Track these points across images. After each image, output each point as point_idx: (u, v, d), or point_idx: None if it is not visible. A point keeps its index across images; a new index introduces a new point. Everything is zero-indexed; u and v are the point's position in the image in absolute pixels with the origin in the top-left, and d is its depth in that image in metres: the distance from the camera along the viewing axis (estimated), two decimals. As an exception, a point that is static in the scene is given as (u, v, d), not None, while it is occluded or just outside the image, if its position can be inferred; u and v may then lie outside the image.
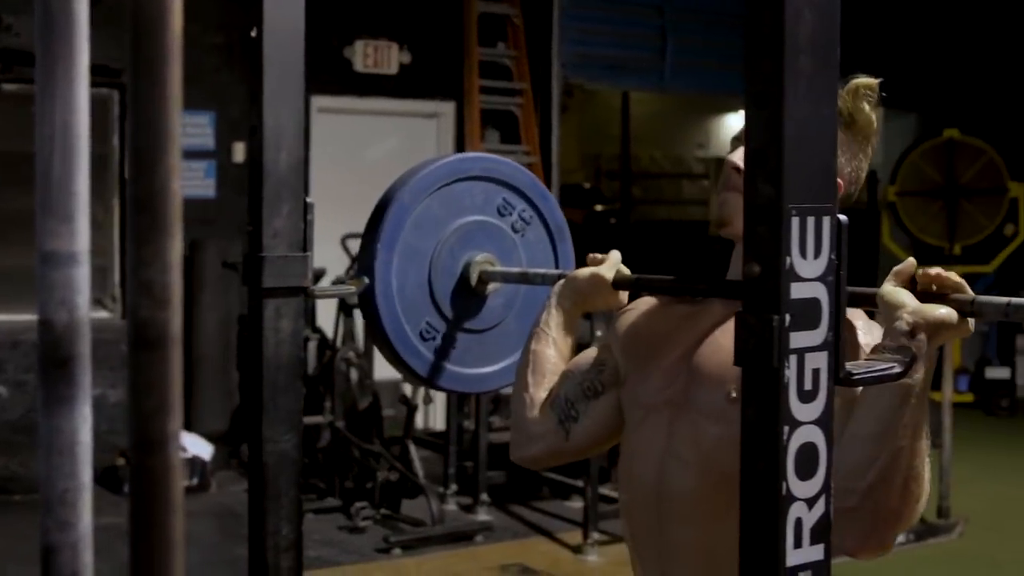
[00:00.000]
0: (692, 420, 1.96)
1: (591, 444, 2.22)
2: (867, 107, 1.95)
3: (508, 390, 2.51)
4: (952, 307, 1.64)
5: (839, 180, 1.93)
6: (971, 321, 1.66)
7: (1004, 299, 1.63)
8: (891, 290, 1.69)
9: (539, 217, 2.66)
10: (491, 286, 2.55)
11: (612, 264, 2.23)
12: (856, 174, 1.99)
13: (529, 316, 2.51)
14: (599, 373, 2.19)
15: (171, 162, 0.81)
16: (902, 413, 1.65)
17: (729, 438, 1.80)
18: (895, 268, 1.72)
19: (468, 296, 2.55)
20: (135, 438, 0.80)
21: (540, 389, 2.25)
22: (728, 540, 1.91)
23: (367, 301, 2.48)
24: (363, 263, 2.50)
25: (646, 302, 2.21)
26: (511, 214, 2.61)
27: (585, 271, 2.25)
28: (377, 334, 2.51)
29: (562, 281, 2.29)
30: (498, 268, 2.55)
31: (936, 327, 1.63)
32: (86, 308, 0.90)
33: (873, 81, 1.96)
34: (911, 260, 1.72)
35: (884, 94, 1.98)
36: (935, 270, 1.68)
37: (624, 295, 2.24)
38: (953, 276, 1.68)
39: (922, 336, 1.62)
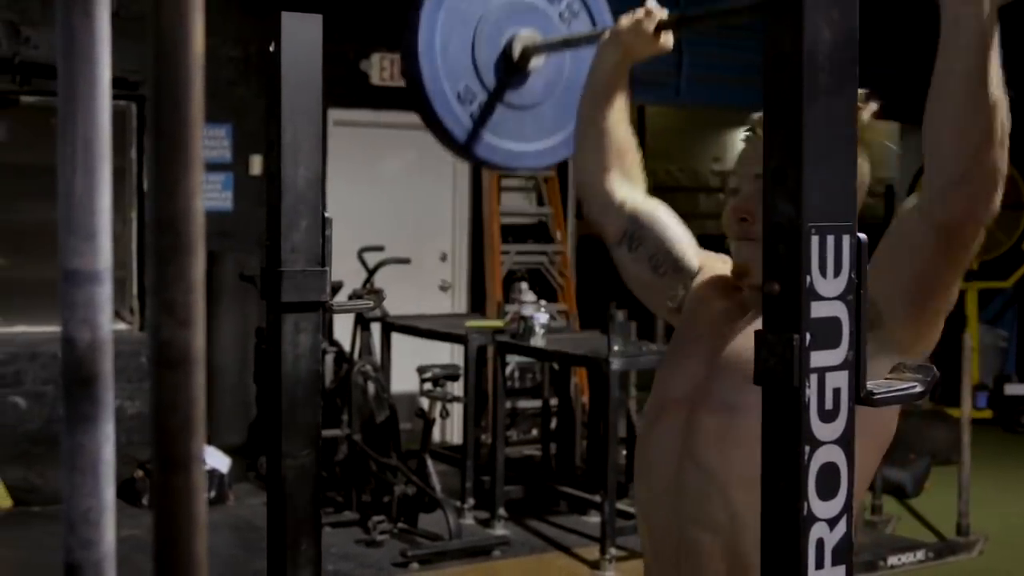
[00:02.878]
0: (714, 415, 1.98)
1: (621, 269, 2.34)
2: (862, 113, 2.00)
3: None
4: None
5: None
6: None
7: None
8: None
9: (587, 11, 2.63)
10: (533, 63, 2.52)
11: (653, 11, 2.25)
12: (860, 179, 2.02)
13: (569, 103, 2.50)
14: (672, 263, 2.27)
15: (194, 181, 0.81)
16: (985, 66, 1.66)
17: (750, 435, 1.82)
18: None
19: (510, 70, 2.52)
20: (159, 457, 0.80)
21: (607, 155, 2.32)
22: (747, 541, 1.92)
23: (409, 54, 2.45)
24: (409, 17, 2.47)
25: (708, 268, 2.25)
26: (560, 2, 2.59)
27: (626, 19, 2.27)
28: (416, 89, 2.47)
29: (606, 34, 2.31)
30: (540, 40, 2.52)
31: None
32: (109, 327, 0.90)
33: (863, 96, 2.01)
34: None
35: (879, 102, 2.04)
36: None
37: (669, 39, 2.26)
38: None
39: None
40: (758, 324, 1.97)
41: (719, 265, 2.24)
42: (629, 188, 2.35)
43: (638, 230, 2.30)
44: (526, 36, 2.52)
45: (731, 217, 2.08)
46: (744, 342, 2.00)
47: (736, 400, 1.95)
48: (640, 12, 2.26)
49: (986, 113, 1.69)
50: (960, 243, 1.81)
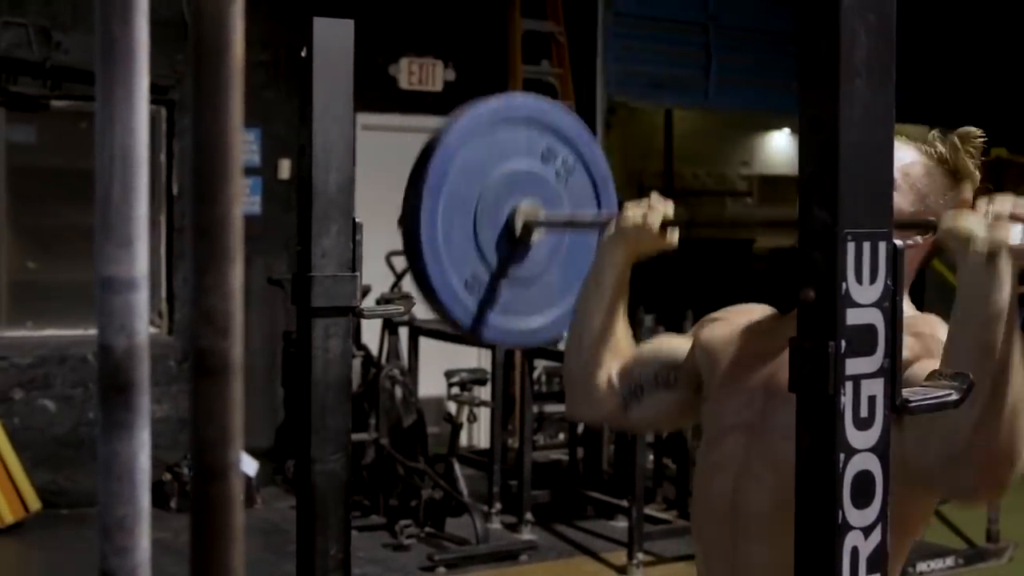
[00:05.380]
0: (769, 441, 1.96)
1: (647, 425, 2.30)
2: (971, 159, 2.00)
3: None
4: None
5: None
6: None
7: None
8: (957, 218, 1.62)
9: (582, 165, 2.59)
10: (536, 235, 2.50)
11: (657, 210, 2.21)
12: None
13: (573, 265, 2.47)
14: (676, 369, 2.22)
15: (233, 189, 0.81)
16: (994, 342, 1.60)
17: None
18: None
19: (512, 245, 2.50)
20: (196, 466, 0.80)
21: (598, 348, 2.26)
22: None
23: (412, 247, 2.42)
24: (408, 208, 2.41)
25: (734, 314, 2.21)
26: (555, 161, 2.54)
27: (631, 220, 2.22)
28: (423, 285, 2.46)
29: (609, 232, 2.27)
30: (543, 216, 2.48)
31: (1012, 250, 1.58)
32: (145, 334, 0.90)
33: (976, 131, 2.00)
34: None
35: (986, 140, 2.02)
36: (1003, 200, 1.62)
37: (675, 236, 2.22)
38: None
39: (1000, 261, 1.58)
40: None
41: (756, 310, 2.20)
42: (616, 372, 2.28)
43: (632, 383, 2.25)
44: (527, 209, 2.46)
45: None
46: None
47: (786, 426, 1.94)
48: (644, 206, 2.22)
49: (997, 395, 1.62)
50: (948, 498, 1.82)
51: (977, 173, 2.01)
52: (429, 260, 2.39)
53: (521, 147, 2.49)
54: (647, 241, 2.22)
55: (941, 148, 2.00)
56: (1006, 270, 1.58)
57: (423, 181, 2.39)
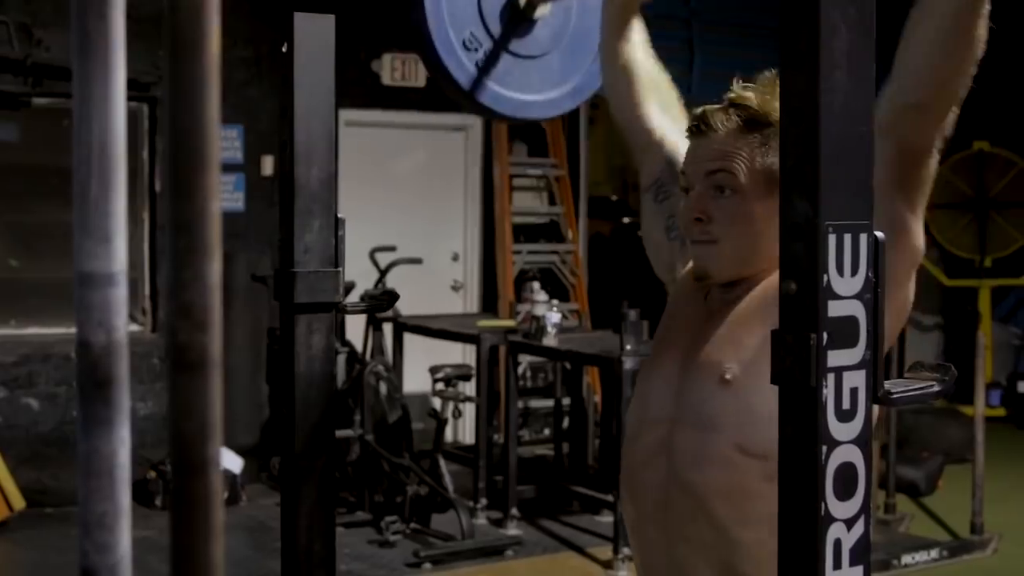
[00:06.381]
0: (686, 434, 1.95)
1: (649, 212, 2.28)
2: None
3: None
4: None
5: None
6: None
7: None
8: None
9: None
10: (539, 11, 2.49)
11: None
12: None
13: (575, 54, 2.51)
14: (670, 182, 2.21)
15: (210, 183, 0.81)
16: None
17: (733, 410, 1.81)
18: None
19: (515, 18, 2.50)
20: (175, 461, 0.80)
21: (642, 90, 2.29)
22: (738, 555, 1.90)
23: (417, 22, 2.42)
24: None
25: (685, 283, 2.14)
26: None
27: None
28: (421, 37, 2.45)
29: None
30: None
31: None
32: (124, 329, 0.89)
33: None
34: None
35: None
36: None
37: None
38: None
39: None
40: (723, 329, 1.96)
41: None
42: (670, 122, 2.28)
43: (669, 181, 2.21)
44: None
45: (686, 218, 2.01)
46: (710, 349, 1.97)
47: (708, 413, 1.92)
48: None
49: (968, 47, 1.68)
50: (913, 163, 1.79)
51: None
52: (429, 10, 2.39)
53: None
54: None
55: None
56: None
57: None
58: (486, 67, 2.46)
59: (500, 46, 2.47)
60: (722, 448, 1.90)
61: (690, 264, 2.08)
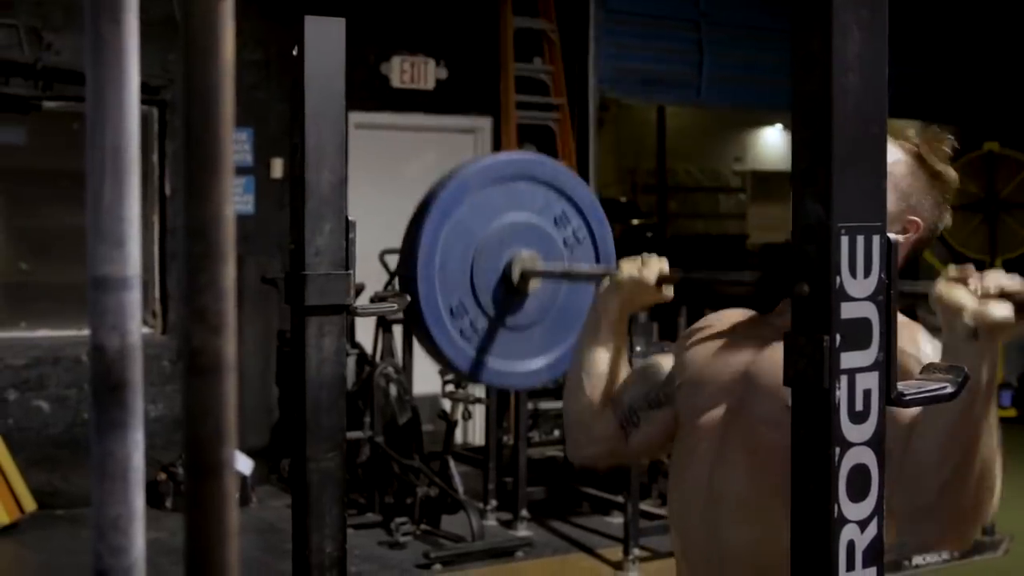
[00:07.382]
0: (747, 426, 1.98)
1: (649, 450, 2.32)
2: (949, 164, 2.06)
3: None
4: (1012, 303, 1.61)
5: (919, 219, 2.04)
6: None
7: None
8: (948, 289, 1.64)
9: (591, 240, 2.66)
10: (532, 285, 2.54)
11: (652, 265, 2.24)
12: (935, 224, 2.08)
13: (558, 329, 2.54)
14: (664, 386, 2.24)
15: (224, 188, 0.81)
16: (971, 410, 1.64)
17: (784, 445, 1.81)
18: (951, 272, 1.68)
19: (508, 290, 2.55)
20: (190, 464, 0.80)
21: (597, 392, 2.29)
22: (779, 548, 1.91)
23: (408, 279, 2.47)
24: (413, 229, 2.51)
25: (714, 320, 2.24)
26: (566, 228, 2.61)
27: (626, 275, 2.26)
28: (421, 331, 2.51)
29: (605, 285, 2.31)
30: (540, 265, 2.54)
31: (998, 327, 1.59)
32: (138, 333, 0.89)
33: (943, 134, 2.07)
34: (969, 266, 1.69)
35: (958, 148, 2.08)
36: (993, 276, 1.65)
37: (670, 290, 2.25)
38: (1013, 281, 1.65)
39: (985, 336, 1.60)
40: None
41: (736, 314, 2.22)
42: (610, 406, 2.32)
43: (625, 409, 2.28)
44: (527, 258, 2.54)
45: None
46: (777, 355, 1.99)
47: (773, 412, 1.95)
48: (639, 262, 2.25)
49: (967, 459, 1.68)
50: None
51: (955, 174, 2.07)
52: (422, 284, 2.44)
53: (538, 205, 2.60)
54: (642, 295, 2.26)
55: (922, 147, 2.05)
56: (990, 345, 1.61)
57: (434, 200, 2.53)
58: (479, 342, 2.55)
59: (492, 318, 2.55)
60: (773, 444, 1.92)
61: (698, 336, 2.20)
